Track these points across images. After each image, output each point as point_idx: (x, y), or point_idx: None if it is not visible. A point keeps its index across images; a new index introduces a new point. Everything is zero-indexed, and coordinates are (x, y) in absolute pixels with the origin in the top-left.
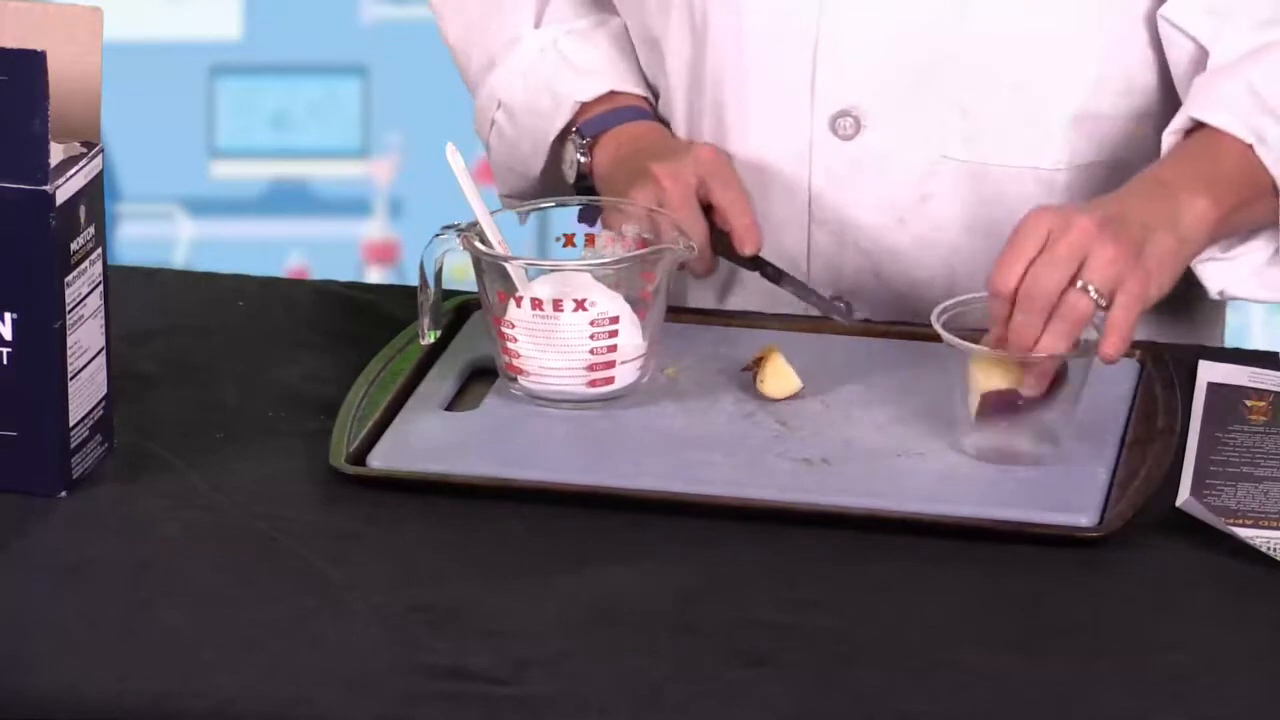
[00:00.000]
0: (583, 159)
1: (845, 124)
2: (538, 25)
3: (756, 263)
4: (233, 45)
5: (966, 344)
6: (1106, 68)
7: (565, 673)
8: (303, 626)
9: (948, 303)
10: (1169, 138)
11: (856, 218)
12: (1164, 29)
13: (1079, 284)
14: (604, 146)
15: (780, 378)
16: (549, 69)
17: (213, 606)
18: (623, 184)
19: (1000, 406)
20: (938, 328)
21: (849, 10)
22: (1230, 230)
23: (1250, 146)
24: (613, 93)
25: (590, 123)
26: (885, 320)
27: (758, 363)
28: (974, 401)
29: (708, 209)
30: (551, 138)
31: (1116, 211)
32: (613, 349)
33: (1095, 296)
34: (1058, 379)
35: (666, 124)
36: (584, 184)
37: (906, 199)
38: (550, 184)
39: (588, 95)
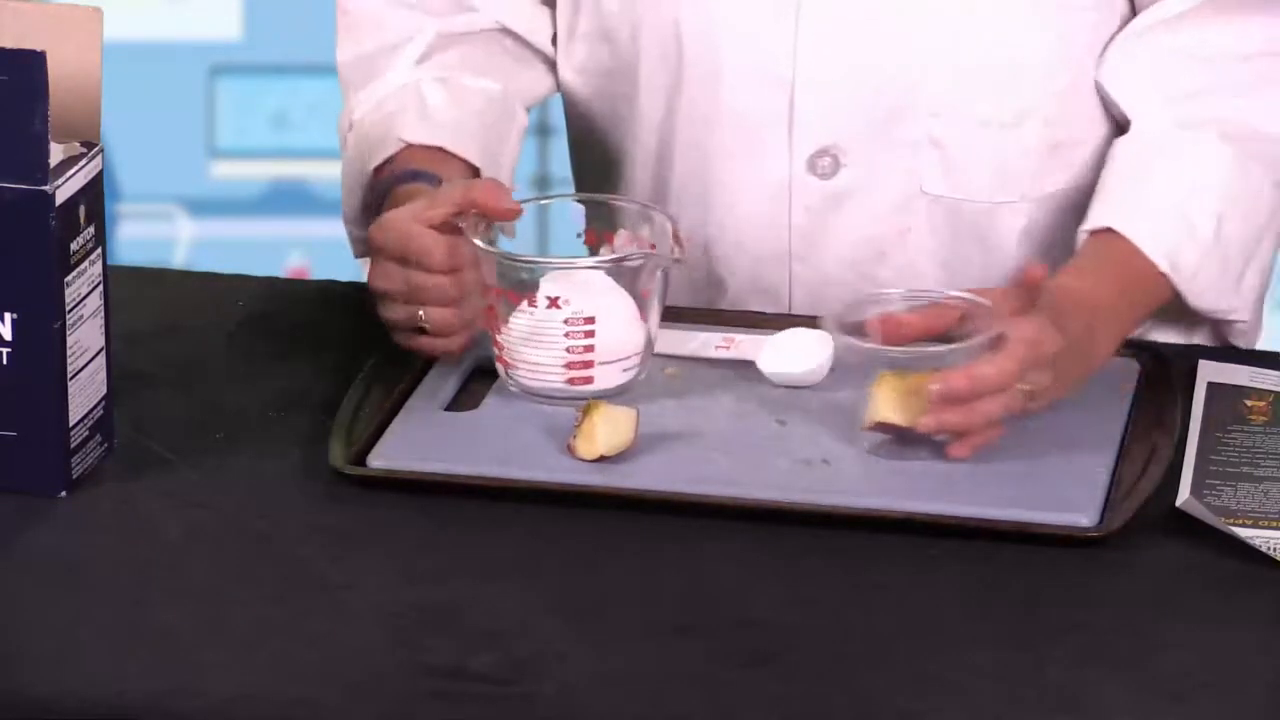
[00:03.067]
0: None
1: (824, 163)
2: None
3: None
4: (233, 45)
5: (874, 352)
6: (1073, 100)
7: (565, 673)
8: (303, 626)
9: (839, 306)
10: (1082, 235)
11: (837, 253)
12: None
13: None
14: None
15: (590, 439)
16: (400, 102)
17: (213, 606)
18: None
19: (891, 432)
20: (835, 333)
21: (823, 50)
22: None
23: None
24: (442, 150)
25: (400, 175)
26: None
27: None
28: (866, 413)
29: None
30: (370, 168)
31: (1071, 356)
32: (589, 349)
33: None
34: None
35: None
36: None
37: (886, 233)
38: (369, 219)
39: (415, 138)
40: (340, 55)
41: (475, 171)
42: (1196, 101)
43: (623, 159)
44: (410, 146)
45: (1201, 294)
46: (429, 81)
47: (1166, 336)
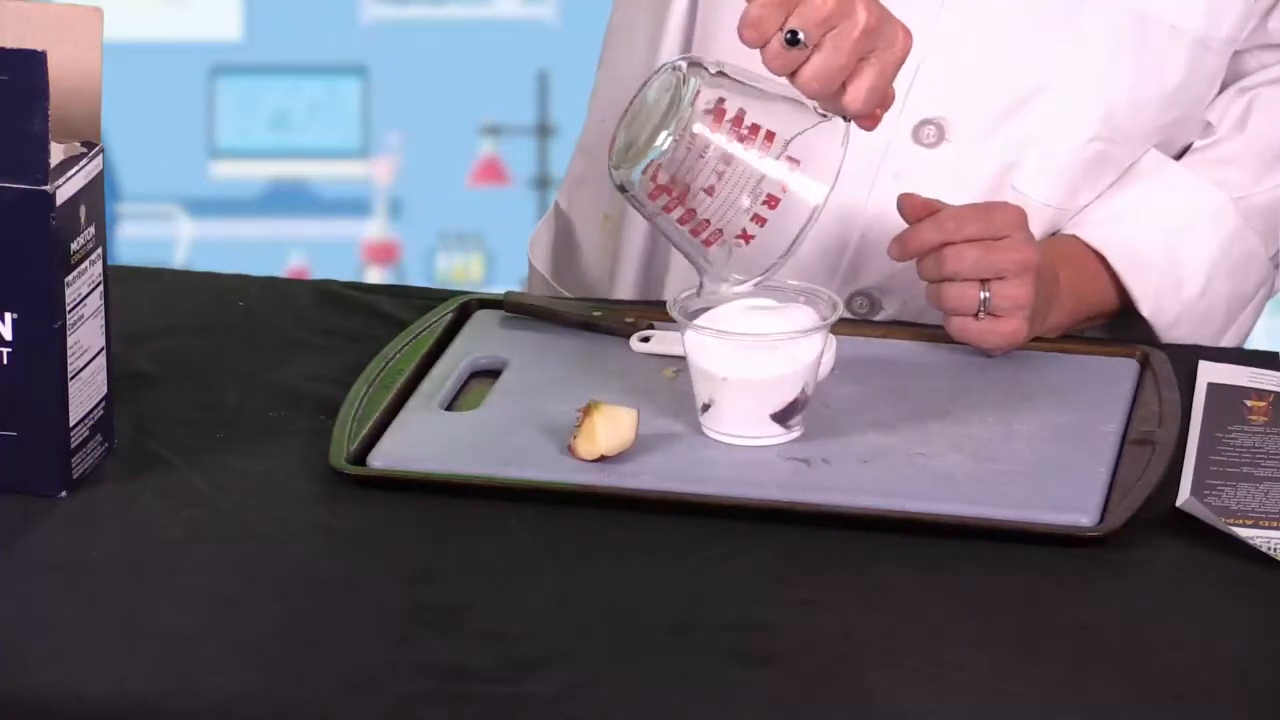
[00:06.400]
0: None
1: (928, 132)
2: None
3: None
4: (233, 45)
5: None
6: (1169, 132)
7: (565, 673)
8: (303, 626)
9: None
10: (1088, 230)
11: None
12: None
13: (984, 293)
14: None
15: (590, 439)
16: None
17: (213, 606)
18: None
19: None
20: (681, 319)
21: (964, 23)
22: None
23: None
24: None
25: None
26: (897, 319)
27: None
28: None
29: None
30: None
31: (1041, 274)
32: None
33: (981, 302)
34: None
35: None
36: None
37: None
38: None
39: None
40: None
41: None
42: (1221, 166)
43: None
44: None
45: (1179, 337)
46: None
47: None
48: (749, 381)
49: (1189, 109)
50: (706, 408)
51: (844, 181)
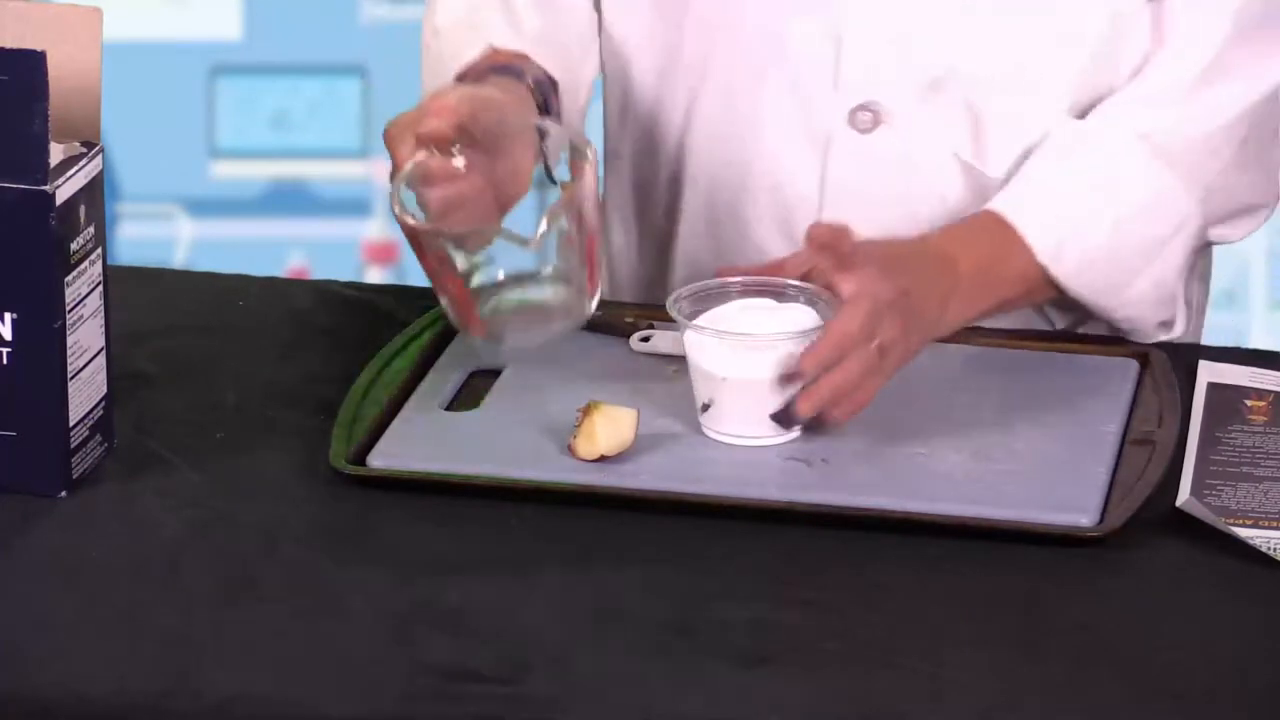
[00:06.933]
0: None
1: (863, 118)
2: None
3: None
4: (233, 45)
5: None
6: (1112, 82)
7: (565, 673)
8: (303, 626)
9: (683, 290)
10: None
11: (873, 214)
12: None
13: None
14: None
15: (590, 439)
16: (487, 9)
17: (213, 606)
18: None
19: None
20: (681, 319)
21: (873, 10)
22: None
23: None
24: (523, 55)
25: (482, 75)
26: None
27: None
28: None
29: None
30: (455, 70)
31: (914, 305)
32: None
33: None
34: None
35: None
36: None
37: (922, 196)
38: None
39: (501, 42)
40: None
41: (553, 84)
42: (1124, 106)
43: (663, 88)
44: (496, 51)
45: (1085, 291)
46: None
47: (1097, 329)
48: (749, 381)
49: (1112, 63)
50: (706, 408)
51: (793, 177)
